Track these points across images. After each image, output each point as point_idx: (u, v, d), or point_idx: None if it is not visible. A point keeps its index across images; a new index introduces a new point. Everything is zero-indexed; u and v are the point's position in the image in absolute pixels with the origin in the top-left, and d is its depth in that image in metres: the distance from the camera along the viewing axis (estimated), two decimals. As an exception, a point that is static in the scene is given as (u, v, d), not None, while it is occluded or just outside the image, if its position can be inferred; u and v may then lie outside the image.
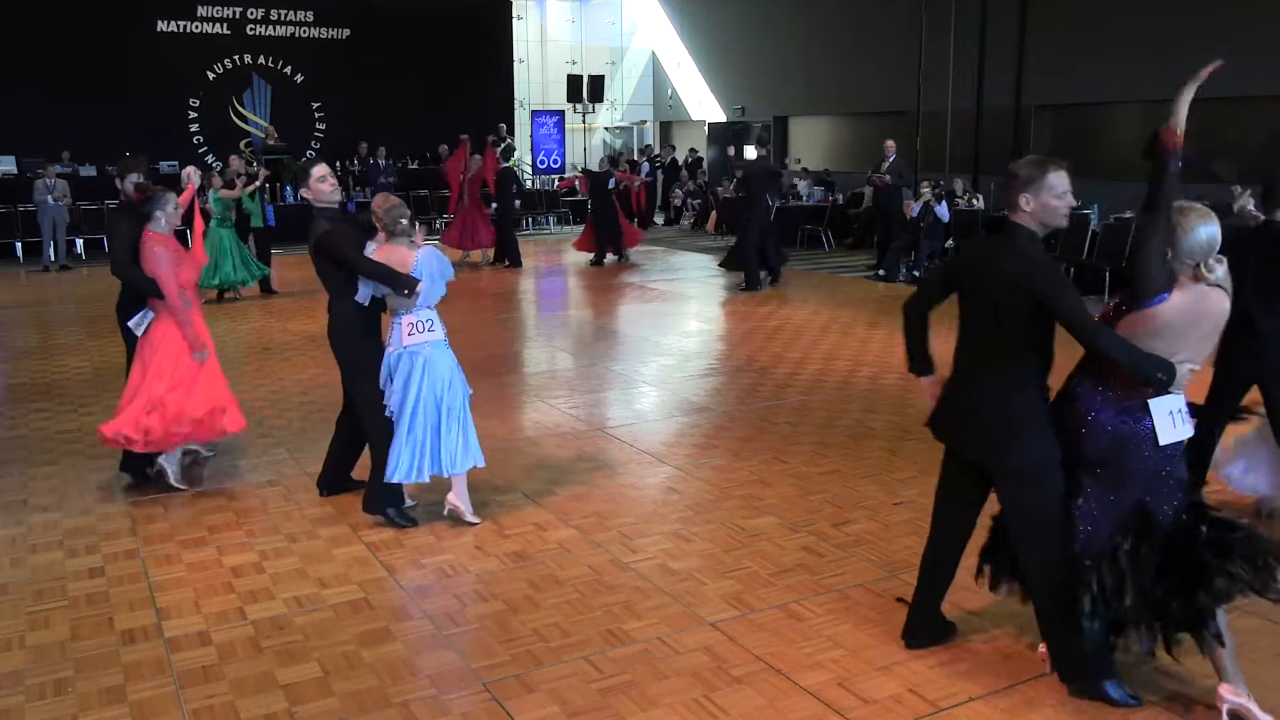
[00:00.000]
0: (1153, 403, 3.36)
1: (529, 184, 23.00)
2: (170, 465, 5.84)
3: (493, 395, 7.70)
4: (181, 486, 5.80)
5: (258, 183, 13.25)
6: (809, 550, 4.90)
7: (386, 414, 5.08)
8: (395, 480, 5.07)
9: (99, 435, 5.72)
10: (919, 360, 3.82)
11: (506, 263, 15.32)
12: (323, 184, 5.19)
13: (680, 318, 11.53)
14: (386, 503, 5.22)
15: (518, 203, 17.03)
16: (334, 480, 5.65)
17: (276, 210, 16.98)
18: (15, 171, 17.31)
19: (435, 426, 5.04)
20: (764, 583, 4.54)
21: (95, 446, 6.60)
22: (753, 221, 13.17)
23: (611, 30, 26.46)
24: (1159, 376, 3.25)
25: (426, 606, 4.34)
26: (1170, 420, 3.37)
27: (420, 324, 5.05)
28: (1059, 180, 3.38)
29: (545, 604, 4.36)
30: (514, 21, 23.78)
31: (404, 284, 4.96)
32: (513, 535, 5.11)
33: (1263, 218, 5.06)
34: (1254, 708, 3.35)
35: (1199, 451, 5.16)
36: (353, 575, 4.66)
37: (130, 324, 5.88)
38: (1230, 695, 3.37)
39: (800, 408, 7.48)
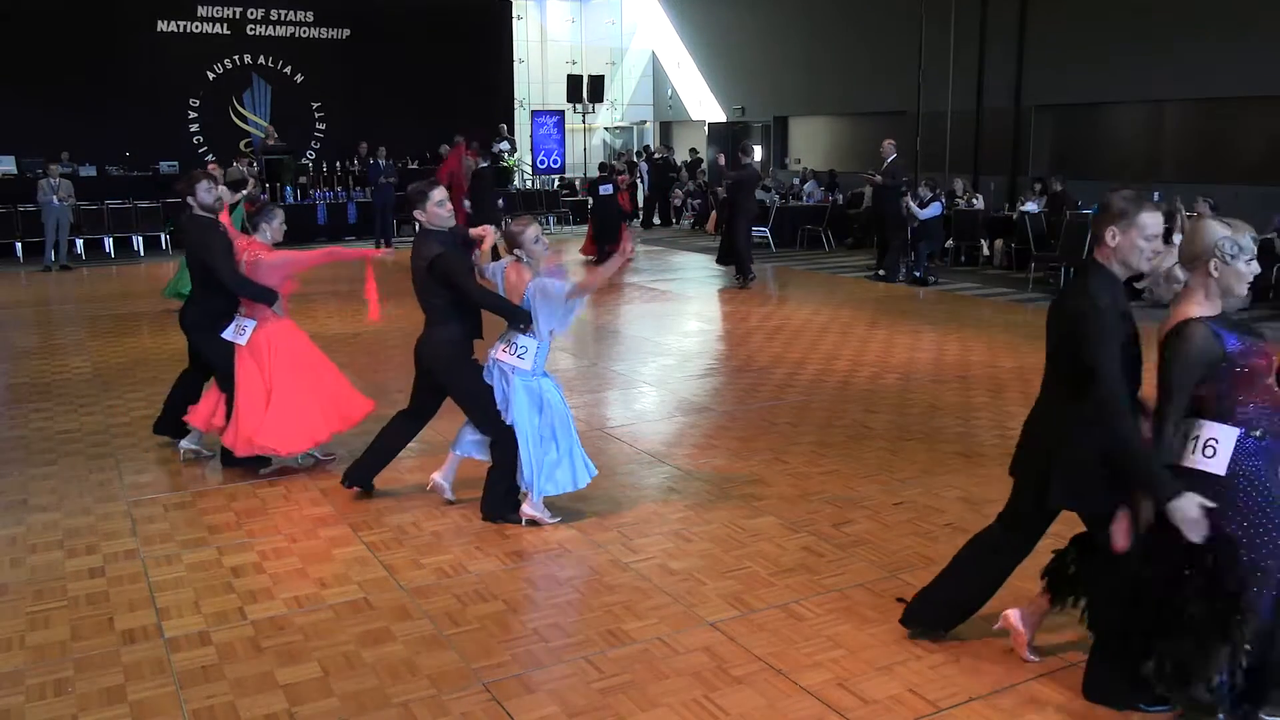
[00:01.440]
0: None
1: (528, 184, 23.01)
2: (316, 452, 6.22)
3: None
4: (328, 457, 6.21)
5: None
6: (809, 550, 4.90)
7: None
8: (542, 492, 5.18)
9: (244, 447, 5.80)
10: None
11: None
12: (440, 208, 5.19)
13: (680, 318, 11.53)
14: (509, 508, 5.26)
15: (500, 201, 17.07)
16: (362, 476, 5.62)
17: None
18: (15, 171, 17.31)
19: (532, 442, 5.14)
20: (764, 583, 4.54)
21: (95, 446, 6.62)
22: (740, 223, 13.52)
23: (611, 30, 26.47)
24: (1155, 486, 3.18)
25: (426, 606, 4.34)
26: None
27: (513, 346, 5.12)
28: (1152, 221, 3.26)
29: (545, 604, 4.36)
30: (514, 21, 23.79)
31: (519, 318, 5.06)
32: (513, 535, 5.11)
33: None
34: None
35: None
36: (353, 575, 4.66)
37: (228, 335, 5.95)
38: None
39: (800, 408, 7.47)
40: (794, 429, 6.92)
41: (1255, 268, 3.24)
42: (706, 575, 4.62)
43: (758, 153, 21.87)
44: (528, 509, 5.21)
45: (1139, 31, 15.02)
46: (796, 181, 20.80)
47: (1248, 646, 3.17)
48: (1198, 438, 3.26)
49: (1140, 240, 3.25)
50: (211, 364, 6.20)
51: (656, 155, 23.06)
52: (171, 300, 10.96)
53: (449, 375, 5.29)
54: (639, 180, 22.30)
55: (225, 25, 19.86)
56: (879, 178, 14.10)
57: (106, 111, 18.15)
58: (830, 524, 5.22)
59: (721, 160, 15.78)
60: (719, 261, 14.15)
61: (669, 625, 4.15)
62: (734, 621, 4.18)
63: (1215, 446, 3.23)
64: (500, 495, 5.24)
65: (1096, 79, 15.68)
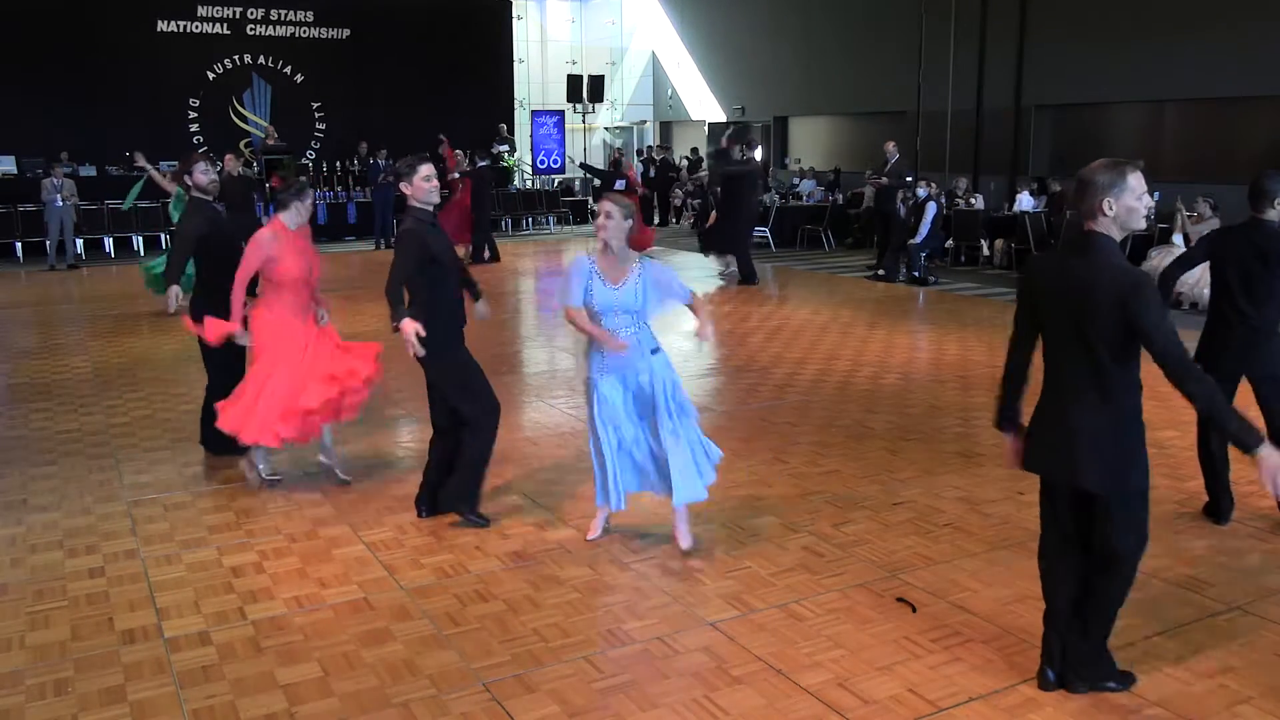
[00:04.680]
0: None
1: (528, 184, 23.00)
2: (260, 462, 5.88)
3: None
4: (268, 479, 5.85)
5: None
6: (809, 550, 4.90)
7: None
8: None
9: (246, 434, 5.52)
10: (1007, 415, 3.75)
11: (487, 257, 15.49)
12: (426, 183, 5.00)
13: (680, 318, 11.47)
14: (470, 504, 5.21)
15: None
16: (433, 501, 5.37)
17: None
18: (15, 171, 17.31)
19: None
20: (764, 583, 4.54)
21: (95, 446, 6.62)
22: (741, 219, 13.40)
23: (611, 30, 26.46)
24: (1241, 440, 3.14)
25: (426, 606, 4.34)
26: None
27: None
28: (1138, 181, 3.29)
29: (545, 604, 4.36)
30: (514, 21, 23.78)
31: (395, 316, 4.79)
32: (513, 535, 5.11)
33: (1188, 223, 5.13)
34: None
35: (1209, 461, 5.17)
36: (353, 575, 4.66)
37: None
38: None
39: (800, 408, 7.47)
40: (794, 429, 6.92)
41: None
42: (706, 575, 4.62)
43: (758, 153, 21.85)
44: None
45: (1139, 31, 15.01)
46: (797, 180, 20.82)
47: None
48: None
49: (1134, 201, 3.28)
50: (204, 349, 6.05)
51: (656, 157, 23.00)
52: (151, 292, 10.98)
53: (424, 359, 5.04)
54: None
55: (225, 25, 19.85)
56: (884, 179, 14.07)
57: (106, 111, 18.14)
58: (830, 524, 5.22)
59: (723, 142, 15.47)
60: (703, 251, 13.98)
61: (669, 625, 4.15)
62: (734, 621, 4.17)
63: None
64: (467, 489, 5.16)
65: (1096, 79, 15.67)
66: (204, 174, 6.09)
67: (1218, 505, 5.19)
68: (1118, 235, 3.33)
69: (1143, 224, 3.35)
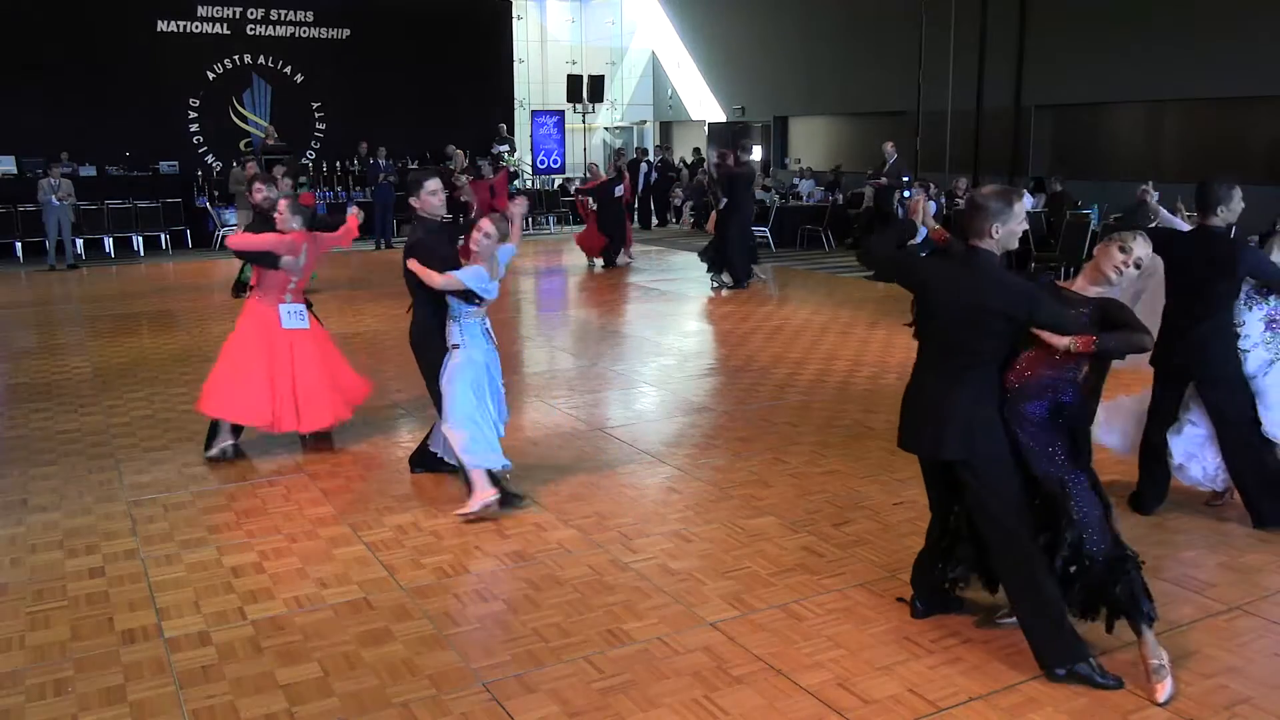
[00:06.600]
0: None
1: (529, 184, 22.99)
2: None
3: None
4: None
5: None
6: (809, 550, 4.90)
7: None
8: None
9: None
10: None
11: None
12: (433, 197, 5.39)
13: (680, 318, 11.52)
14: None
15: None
16: (423, 457, 5.91)
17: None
18: (15, 171, 17.30)
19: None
20: (764, 583, 4.54)
21: (95, 446, 6.62)
22: (734, 223, 13.29)
23: (611, 30, 26.48)
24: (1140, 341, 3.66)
25: (426, 606, 4.34)
26: None
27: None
28: (1022, 209, 3.72)
29: (545, 604, 4.36)
30: (514, 21, 23.76)
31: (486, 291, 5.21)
32: (513, 535, 5.11)
33: (1185, 222, 5.25)
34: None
35: (1154, 452, 5.22)
36: (353, 575, 4.66)
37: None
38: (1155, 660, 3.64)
39: (800, 408, 7.47)
40: (794, 429, 6.92)
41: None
42: (706, 575, 4.62)
43: (757, 152, 21.84)
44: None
45: (1139, 31, 15.01)
46: (798, 181, 20.81)
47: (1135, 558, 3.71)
48: None
49: (1016, 226, 3.70)
50: None
51: (655, 158, 22.97)
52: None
53: (416, 351, 5.52)
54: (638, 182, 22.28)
55: (225, 25, 19.83)
56: (884, 179, 14.07)
57: (106, 111, 18.12)
58: (830, 524, 5.22)
59: (716, 157, 15.52)
60: (702, 256, 13.80)
61: (669, 625, 4.15)
62: (734, 621, 4.18)
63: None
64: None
65: (1096, 79, 15.68)
66: (257, 193, 6.59)
67: (1142, 498, 5.29)
68: (998, 253, 3.72)
69: (1015, 244, 3.77)
